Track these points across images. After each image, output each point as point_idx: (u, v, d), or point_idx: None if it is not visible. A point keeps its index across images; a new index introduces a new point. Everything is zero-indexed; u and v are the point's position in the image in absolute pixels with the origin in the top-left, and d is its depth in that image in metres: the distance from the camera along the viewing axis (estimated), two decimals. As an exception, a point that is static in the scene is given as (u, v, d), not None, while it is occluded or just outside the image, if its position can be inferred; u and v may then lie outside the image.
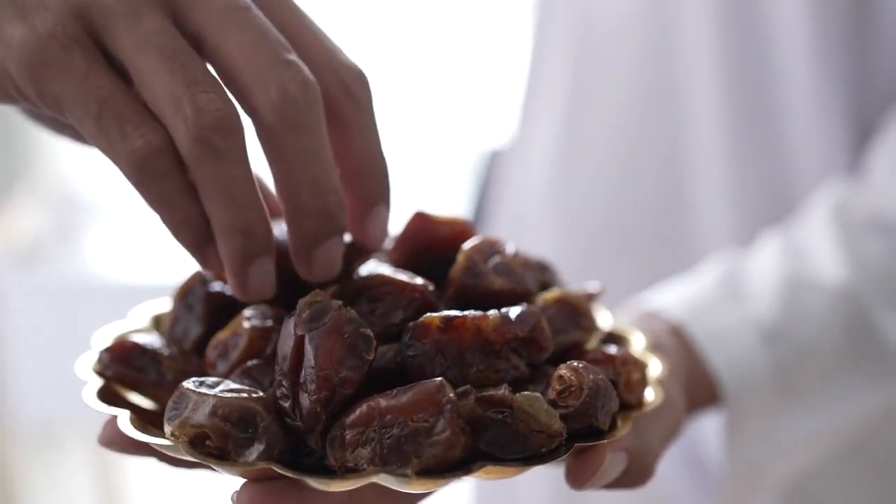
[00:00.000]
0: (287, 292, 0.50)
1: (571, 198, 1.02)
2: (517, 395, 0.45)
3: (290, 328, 0.45)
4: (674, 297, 0.71)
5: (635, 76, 0.98)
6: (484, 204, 1.87)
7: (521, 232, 1.06)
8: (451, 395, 0.43)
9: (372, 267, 0.51)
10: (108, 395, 0.50)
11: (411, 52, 3.06)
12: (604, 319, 0.58)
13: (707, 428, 0.78)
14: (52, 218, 2.46)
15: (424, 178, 2.99)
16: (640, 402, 0.51)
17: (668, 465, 0.80)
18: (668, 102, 0.96)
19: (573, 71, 1.02)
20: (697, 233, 0.95)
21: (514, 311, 0.48)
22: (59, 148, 3.16)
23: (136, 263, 2.27)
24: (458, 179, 2.70)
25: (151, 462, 0.50)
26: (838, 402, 0.73)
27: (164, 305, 0.58)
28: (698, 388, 0.67)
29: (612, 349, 0.52)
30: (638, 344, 0.57)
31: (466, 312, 0.47)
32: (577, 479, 0.48)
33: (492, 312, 0.47)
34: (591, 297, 0.56)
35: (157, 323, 0.57)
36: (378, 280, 0.49)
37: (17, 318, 2.18)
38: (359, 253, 0.52)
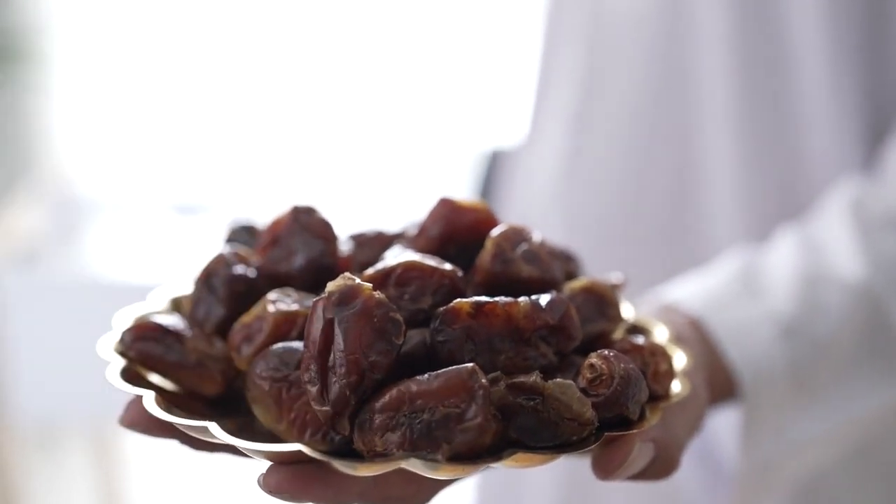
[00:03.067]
0: (314, 276, 0.49)
1: (581, 195, 1.02)
2: (549, 382, 0.44)
3: (319, 311, 0.45)
4: (691, 291, 0.71)
5: (647, 73, 0.98)
6: (486, 202, 1.86)
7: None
8: (484, 380, 0.42)
9: (399, 252, 0.51)
10: (130, 377, 0.50)
11: (418, 51, 3.06)
12: (626, 311, 0.58)
13: (721, 426, 0.78)
14: (52, 218, 2.45)
15: (426, 177, 2.99)
16: (667, 393, 0.50)
17: (682, 464, 0.79)
18: (680, 99, 0.96)
19: (584, 68, 1.02)
20: (708, 230, 0.95)
21: (543, 299, 0.47)
22: (58, 148, 3.17)
23: (136, 263, 2.27)
24: (459, 178, 2.70)
25: (168, 447, 0.49)
26: (854, 399, 0.72)
27: (183, 288, 0.57)
28: (717, 381, 0.67)
29: (640, 339, 0.51)
30: (661, 336, 0.56)
31: (497, 298, 0.46)
32: (604, 468, 0.47)
33: (522, 299, 0.47)
34: (614, 288, 0.56)
35: (177, 306, 0.57)
36: (406, 265, 0.48)
37: (17, 318, 2.17)
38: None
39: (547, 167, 1.06)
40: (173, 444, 0.49)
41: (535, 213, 1.07)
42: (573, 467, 0.99)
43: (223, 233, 0.60)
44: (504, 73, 2.79)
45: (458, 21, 3.00)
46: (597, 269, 0.91)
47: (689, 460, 0.79)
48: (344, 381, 0.43)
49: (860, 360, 0.73)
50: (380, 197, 3.01)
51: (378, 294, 0.44)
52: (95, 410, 2.07)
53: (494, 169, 2.09)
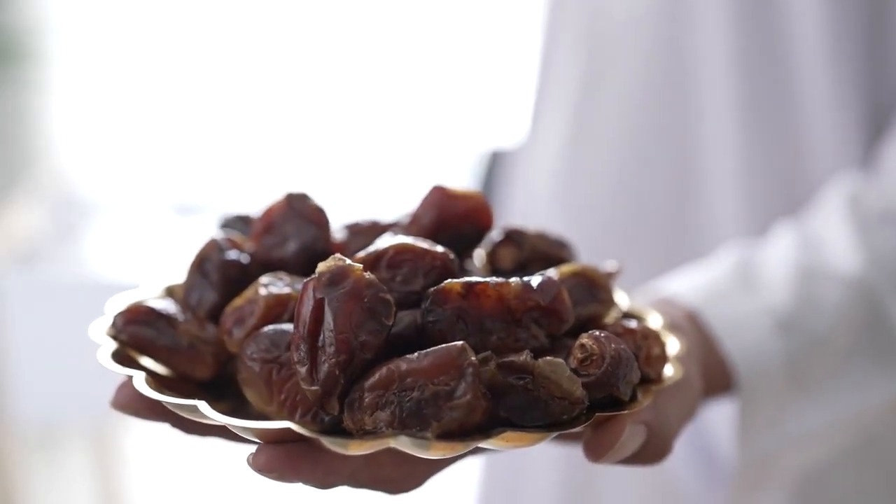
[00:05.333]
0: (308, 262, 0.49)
1: (581, 194, 1.02)
2: (539, 360, 0.44)
3: (309, 292, 0.45)
4: (689, 284, 0.71)
5: (646, 72, 0.98)
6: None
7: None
8: (473, 358, 0.42)
9: (391, 237, 0.51)
10: (122, 362, 0.50)
11: (419, 51, 3.06)
12: (621, 299, 0.58)
13: (717, 421, 0.78)
14: (52, 218, 2.46)
15: (427, 177, 2.99)
16: (659, 377, 0.50)
17: (679, 458, 0.79)
18: (680, 98, 0.96)
19: (584, 67, 1.02)
20: (708, 227, 0.95)
21: (535, 280, 0.47)
22: (58, 148, 3.17)
23: (135, 263, 2.27)
24: (459, 178, 2.70)
25: (163, 429, 0.49)
26: (850, 393, 0.72)
27: (177, 276, 0.57)
28: (712, 374, 0.66)
29: (633, 323, 0.51)
30: (655, 322, 0.56)
31: (488, 279, 0.46)
32: (595, 450, 0.47)
33: (513, 280, 0.47)
34: (609, 276, 0.56)
35: (170, 293, 0.57)
36: (398, 247, 0.48)
37: (17, 318, 2.17)
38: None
39: (547, 166, 1.06)
40: (165, 428, 0.49)
41: (535, 212, 1.07)
42: (575, 462, 0.99)
43: (214, 225, 0.61)
44: (504, 73, 2.79)
45: (458, 21, 3.00)
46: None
47: (686, 454, 0.79)
48: (333, 360, 0.43)
49: (856, 355, 0.73)
50: (380, 198, 3.01)
51: (368, 274, 0.44)
52: (95, 410, 2.07)
53: (494, 169, 2.09)
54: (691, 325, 0.67)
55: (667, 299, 0.69)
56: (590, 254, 0.97)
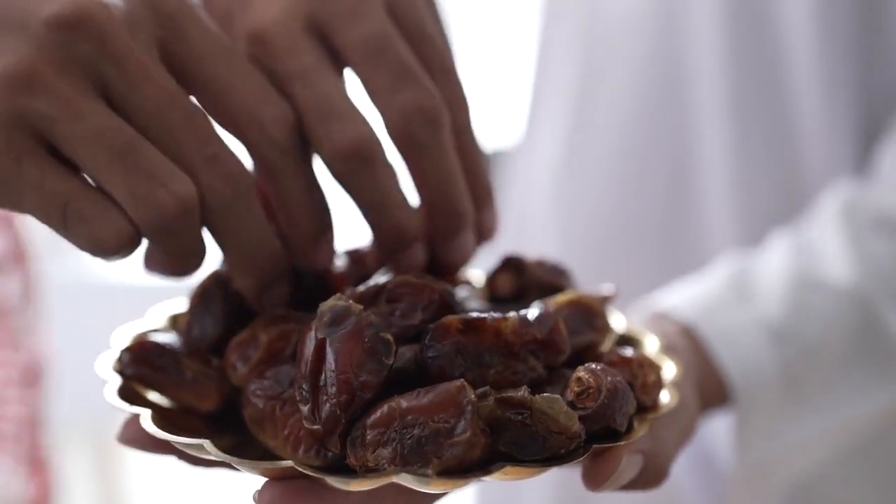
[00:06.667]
0: (307, 296, 0.50)
1: (577, 197, 1.03)
2: (537, 396, 0.45)
3: (311, 331, 0.46)
4: (684, 298, 0.72)
5: (643, 74, 0.98)
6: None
7: (526, 231, 1.07)
8: (472, 396, 0.43)
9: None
10: (128, 394, 0.51)
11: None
12: (617, 322, 0.58)
13: (716, 429, 0.79)
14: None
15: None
16: (655, 405, 0.51)
17: (677, 466, 0.80)
18: (676, 101, 0.96)
19: (580, 69, 1.03)
20: (703, 233, 0.95)
21: (532, 313, 0.48)
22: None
23: (136, 263, 2.27)
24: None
25: (169, 461, 0.50)
26: (846, 402, 0.73)
27: (181, 305, 0.58)
28: (709, 387, 0.67)
29: (628, 352, 0.52)
30: (651, 346, 0.57)
31: (485, 314, 0.47)
32: (593, 480, 0.48)
33: (511, 314, 0.48)
34: (605, 300, 0.57)
35: (175, 322, 0.58)
36: (397, 282, 0.49)
37: (17, 319, 2.17)
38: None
39: (543, 168, 1.06)
40: (171, 460, 0.50)
41: (531, 214, 1.07)
42: (571, 473, 0.99)
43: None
44: (500, 75, 2.79)
45: (454, 21, 3.00)
46: (592, 271, 0.91)
47: (685, 464, 0.80)
48: (335, 400, 0.44)
49: (851, 364, 0.73)
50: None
51: (369, 315, 0.45)
52: (95, 411, 2.08)
53: (492, 170, 2.10)
54: (686, 341, 0.68)
55: (662, 314, 0.70)
56: (586, 255, 0.99)
